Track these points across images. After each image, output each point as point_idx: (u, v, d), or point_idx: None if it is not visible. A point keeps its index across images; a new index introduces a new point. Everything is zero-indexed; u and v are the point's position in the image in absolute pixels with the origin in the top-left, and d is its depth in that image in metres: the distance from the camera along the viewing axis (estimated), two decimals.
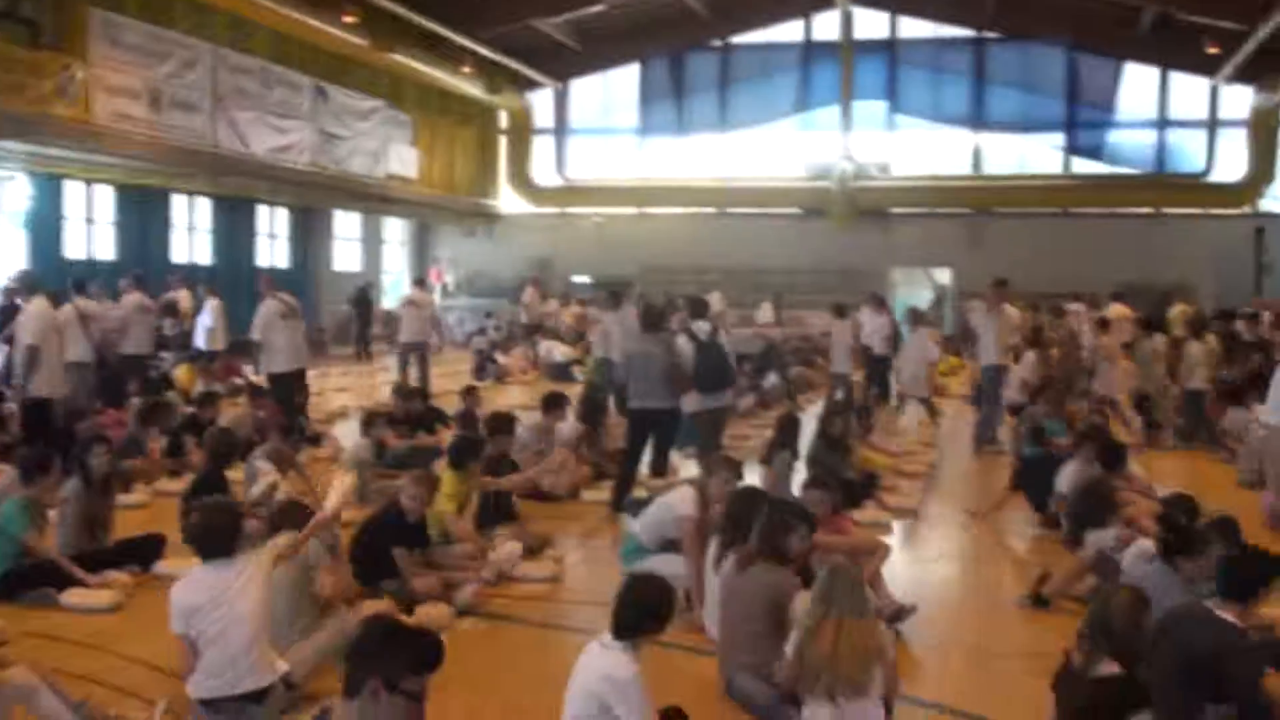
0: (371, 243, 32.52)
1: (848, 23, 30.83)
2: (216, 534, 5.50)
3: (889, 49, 32.06)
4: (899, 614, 6.86)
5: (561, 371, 21.87)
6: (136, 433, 11.80)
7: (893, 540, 9.04)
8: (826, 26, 31.77)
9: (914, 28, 32.04)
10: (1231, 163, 30.10)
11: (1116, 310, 20.40)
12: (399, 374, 18.29)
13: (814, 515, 7.12)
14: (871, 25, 31.66)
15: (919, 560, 9.27)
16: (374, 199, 28.27)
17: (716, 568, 6.49)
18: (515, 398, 18.19)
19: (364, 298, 27.33)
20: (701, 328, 10.91)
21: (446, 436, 12.09)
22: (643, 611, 4.90)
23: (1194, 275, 29.22)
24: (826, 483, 7.89)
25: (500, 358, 23.19)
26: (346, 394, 18.25)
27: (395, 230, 34.20)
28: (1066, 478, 9.44)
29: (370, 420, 11.45)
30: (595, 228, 33.44)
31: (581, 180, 34.08)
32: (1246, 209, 30.13)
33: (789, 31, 32.69)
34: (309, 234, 29.17)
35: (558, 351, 22.74)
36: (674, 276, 29.02)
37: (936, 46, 32.04)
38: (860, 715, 4.80)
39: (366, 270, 31.37)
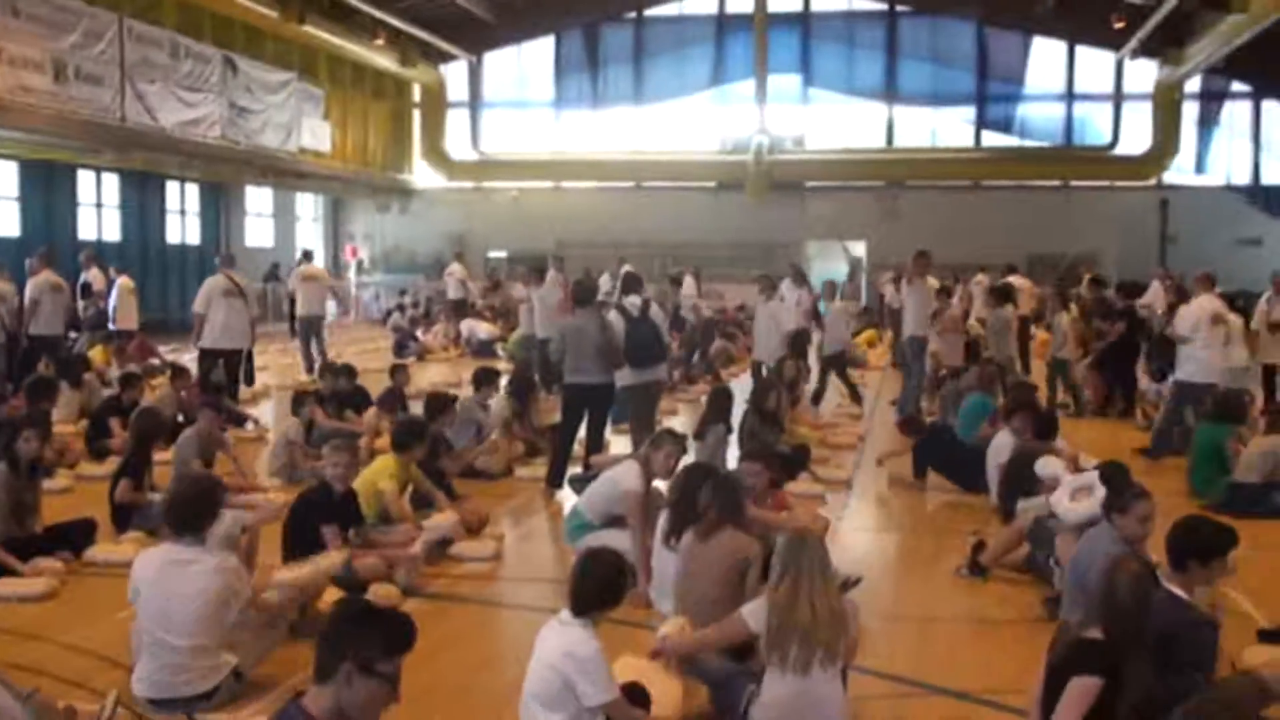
0: (284, 218, 32.01)
1: None
2: (189, 509, 5.48)
3: (803, 22, 32.28)
4: (845, 585, 6.93)
5: (485, 349, 21.73)
6: (32, 412, 11.44)
7: (828, 512, 9.17)
8: None
9: (827, 1, 32.23)
10: (1136, 136, 30.74)
11: (1016, 281, 20.69)
12: (301, 350, 18.36)
13: (751, 488, 7.22)
14: None
15: (856, 531, 9.38)
16: (286, 174, 27.83)
17: (667, 543, 6.50)
18: (439, 376, 18.04)
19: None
20: (633, 302, 10.90)
21: (371, 416, 11.99)
22: (600, 587, 4.90)
23: (1101, 246, 29.88)
24: (763, 456, 7.94)
25: (421, 335, 22.98)
26: (267, 373, 17.94)
27: (308, 206, 33.69)
28: (998, 449, 9.59)
29: (299, 399, 11.32)
30: (511, 202, 33.27)
31: (497, 154, 33.90)
32: (1151, 181, 30.82)
33: (703, 4, 32.80)
34: (220, 210, 28.61)
35: (481, 329, 22.60)
36: (591, 251, 28.94)
37: (849, 20, 32.34)
38: (824, 683, 4.85)
39: (279, 246, 30.88)
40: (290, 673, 5.62)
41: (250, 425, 13.23)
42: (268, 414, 14.56)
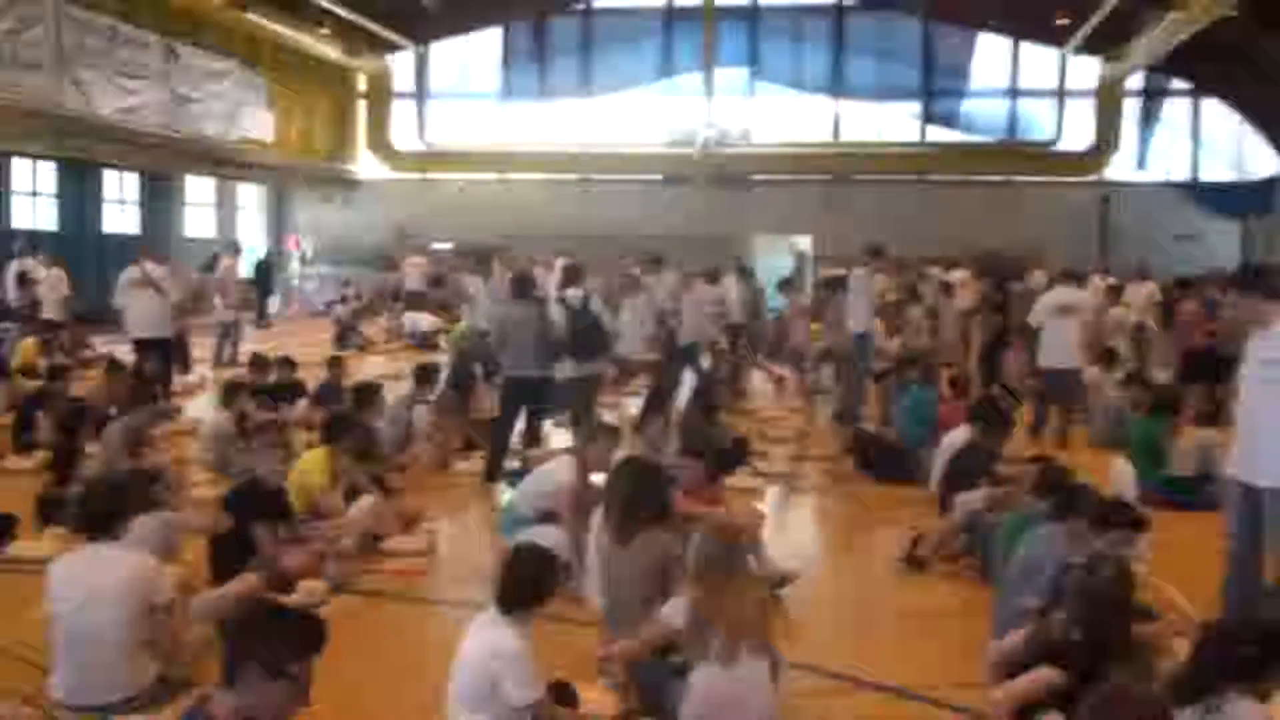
0: (226, 209, 31.53)
1: None
2: (101, 507, 5.36)
3: (750, 16, 32.27)
4: (783, 580, 6.91)
5: (427, 341, 21.56)
6: None
7: (766, 505, 9.15)
8: None
9: None
10: (1079, 132, 31.02)
11: (957, 275, 20.89)
12: (217, 343, 18.61)
13: (686, 482, 7.17)
14: None
15: (793, 524, 9.36)
16: (228, 163, 27.45)
17: (601, 538, 6.43)
18: (380, 368, 17.85)
19: (265, 266, 27.29)
20: (574, 295, 10.83)
21: (303, 408, 11.84)
22: (527, 583, 4.84)
23: (1044, 241, 30.02)
24: (701, 450, 7.90)
25: (363, 327, 22.76)
26: (203, 365, 17.69)
27: (250, 196, 33.23)
28: (950, 442, 9.61)
29: (230, 392, 11.13)
30: (456, 193, 33.01)
31: (442, 145, 33.64)
32: (1093, 177, 31.11)
33: None
34: (160, 200, 28.14)
35: (423, 321, 22.40)
36: (536, 243, 28.74)
37: (797, 14, 32.37)
38: (751, 676, 4.79)
39: (221, 237, 30.42)
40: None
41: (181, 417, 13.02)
42: (204, 406, 14.32)
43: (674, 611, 5.02)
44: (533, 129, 33.00)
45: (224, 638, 3.61)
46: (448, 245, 30.84)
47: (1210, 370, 15.01)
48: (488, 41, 33.43)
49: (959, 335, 16.65)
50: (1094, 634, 4.65)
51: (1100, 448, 12.18)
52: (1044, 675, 4.53)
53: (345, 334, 21.44)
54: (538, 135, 32.86)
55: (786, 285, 18.41)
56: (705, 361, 15.66)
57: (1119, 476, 9.41)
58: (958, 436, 9.62)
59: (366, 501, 8.10)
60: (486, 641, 4.72)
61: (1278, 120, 29.19)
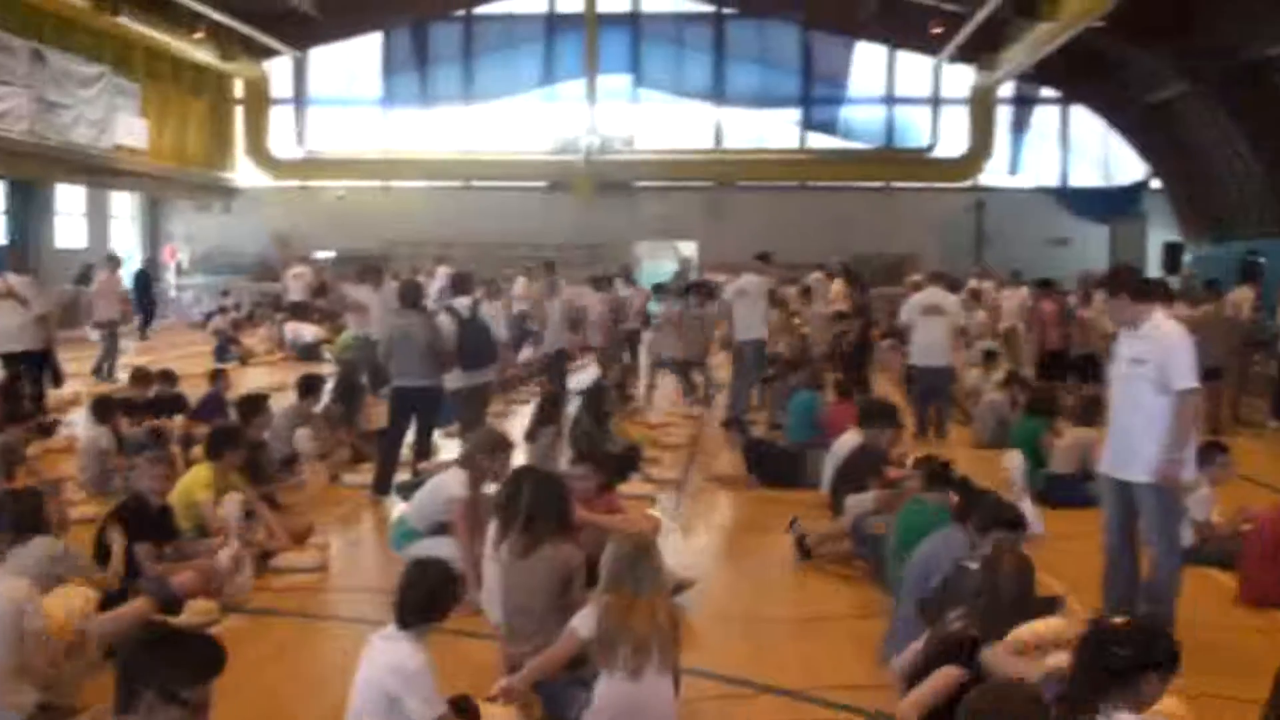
0: (98, 218, 30.62)
1: None
2: None
3: (632, 23, 32.44)
4: (679, 587, 6.94)
5: (310, 352, 21.20)
6: None
7: (658, 512, 9.18)
8: None
9: (656, 2, 32.49)
10: (954, 139, 31.71)
11: (814, 278, 21.20)
12: (98, 357, 18.12)
13: (582, 491, 7.16)
14: None
15: (686, 531, 9.40)
16: (99, 171, 26.70)
17: (497, 549, 6.38)
18: (263, 380, 17.49)
19: (144, 277, 26.64)
20: (463, 304, 10.75)
21: (182, 423, 11.57)
22: (426, 598, 4.77)
23: (921, 246, 30.73)
24: (595, 458, 7.89)
25: (244, 338, 22.31)
26: (78, 379, 17.16)
27: (124, 205, 32.36)
28: (841, 446, 9.73)
29: (104, 408, 10.80)
30: (337, 201, 32.60)
31: (322, 152, 33.19)
32: (968, 183, 31.84)
33: (533, 3, 32.64)
34: (28, 209, 27.24)
35: (306, 331, 22.01)
36: (419, 250, 28.54)
37: (678, 21, 32.63)
38: (656, 686, 4.81)
39: (93, 248, 29.56)
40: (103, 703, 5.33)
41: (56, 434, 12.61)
42: (79, 422, 13.89)
43: (582, 623, 5.01)
44: (414, 136, 32.75)
45: (117, 663, 3.49)
46: (329, 254, 30.43)
47: (1065, 370, 15.62)
48: (368, 47, 33.07)
49: (822, 339, 16.92)
50: (996, 624, 4.73)
51: (983, 448, 12.48)
52: (946, 675, 4.61)
53: (225, 345, 20.97)
54: (420, 142, 32.61)
55: (660, 290, 18.41)
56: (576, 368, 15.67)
57: (1011, 469, 9.65)
58: (848, 439, 9.77)
59: (234, 500, 7.90)
60: (386, 659, 4.65)
61: (1142, 127, 30.18)
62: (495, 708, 5.17)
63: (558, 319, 15.05)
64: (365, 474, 10.67)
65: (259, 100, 32.67)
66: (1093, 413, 10.12)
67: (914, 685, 4.78)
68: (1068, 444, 10.40)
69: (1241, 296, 15.21)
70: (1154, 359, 6.30)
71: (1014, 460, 9.86)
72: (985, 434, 12.68)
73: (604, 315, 17.24)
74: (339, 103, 33.46)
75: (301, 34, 31.46)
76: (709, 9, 32.49)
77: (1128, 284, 6.67)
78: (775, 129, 33.14)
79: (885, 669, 5.59)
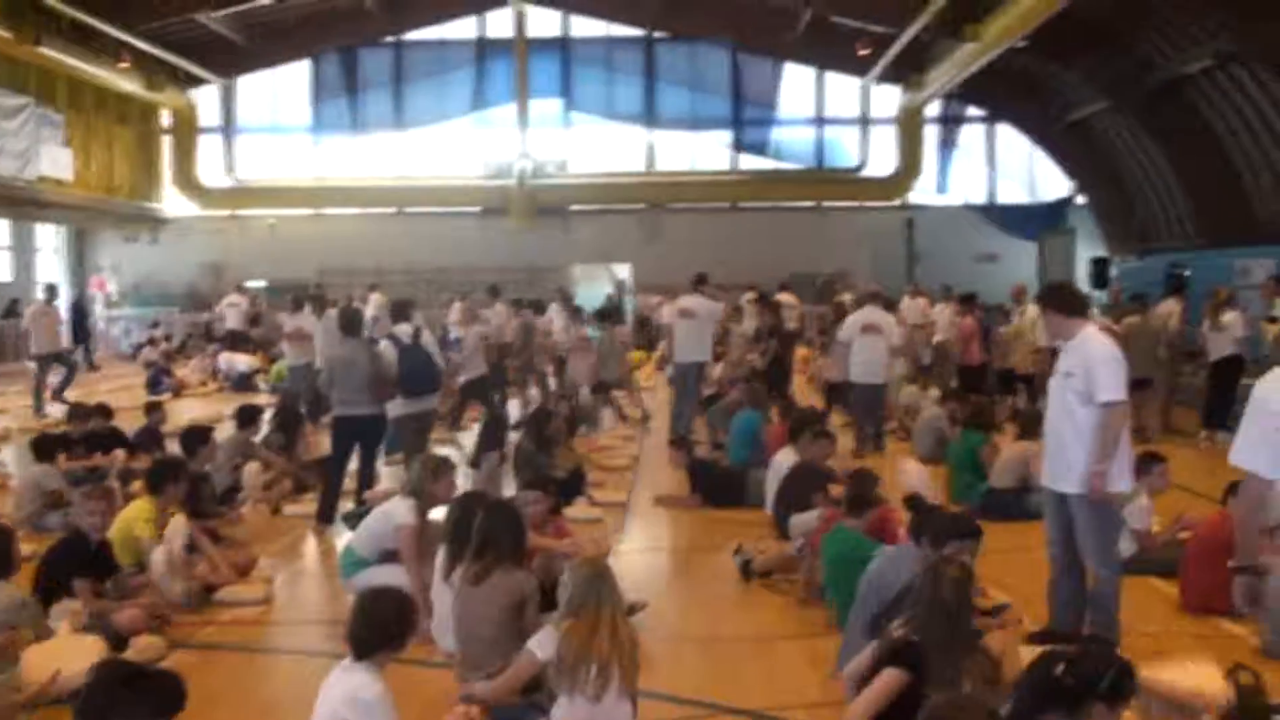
0: (23, 251, 30.10)
1: (521, 20, 31.02)
2: None
3: (563, 47, 32.52)
4: (631, 609, 6.93)
5: (245, 382, 20.97)
6: None
7: (606, 535, 9.18)
8: (500, 24, 31.86)
9: (586, 26, 32.59)
10: (883, 158, 32.08)
11: (784, 298, 21.50)
12: (37, 388, 17.82)
13: (532, 516, 7.15)
14: (544, 23, 32.01)
15: (634, 553, 9.40)
16: (23, 203, 26.21)
17: (447, 577, 6.36)
18: (198, 411, 17.28)
19: (79, 309, 26.10)
20: (404, 330, 10.70)
21: (121, 457, 11.40)
22: (381, 628, 4.75)
23: (852, 264, 31.08)
24: (543, 483, 7.89)
25: (176, 370, 22.02)
26: (5, 416, 16.86)
27: (49, 237, 31.83)
28: (778, 466, 9.79)
29: (43, 444, 10.63)
30: (269, 230, 32.32)
31: (252, 181, 32.85)
32: (897, 201, 32.22)
33: (463, 29, 32.62)
34: None
35: (240, 361, 21.76)
36: (354, 278, 28.37)
37: (608, 45, 32.75)
38: (615, 709, 4.81)
39: (18, 281, 29.09)
40: None
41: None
42: (12, 458, 13.63)
43: (539, 646, 5.00)
44: (346, 163, 32.56)
45: (77, 704, 3.44)
46: (261, 283, 30.14)
47: (982, 384, 15.91)
48: (296, 74, 32.83)
49: (741, 358, 17.06)
50: (936, 631, 4.80)
51: (923, 463, 12.59)
52: (890, 677, 4.66)
53: (157, 377, 20.67)
54: (352, 169, 32.44)
55: (604, 317, 18.37)
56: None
57: (908, 475, 9.76)
58: (783, 458, 9.84)
59: (178, 523, 7.80)
60: (342, 689, 4.62)
61: (1065, 144, 30.74)
62: None
63: (472, 345, 14.86)
64: (307, 504, 10.58)
65: (186, 129, 32.27)
66: (1032, 426, 10.25)
67: (861, 688, 4.83)
68: (1006, 458, 10.53)
69: (1169, 309, 15.51)
70: (1081, 372, 6.42)
71: (909, 467, 9.95)
72: (924, 449, 12.83)
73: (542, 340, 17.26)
74: (268, 131, 33.17)
75: (228, 62, 31.18)
76: (639, 33, 32.66)
77: (1057, 299, 6.83)
78: (707, 151, 33.34)
79: (840, 685, 5.62)
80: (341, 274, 29.65)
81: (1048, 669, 4.15)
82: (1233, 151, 22.82)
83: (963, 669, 4.91)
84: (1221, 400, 14.36)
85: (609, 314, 16.72)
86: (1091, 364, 6.41)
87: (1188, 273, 20.84)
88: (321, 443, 13.21)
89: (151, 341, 25.73)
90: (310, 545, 9.72)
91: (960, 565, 5.25)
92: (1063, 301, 6.80)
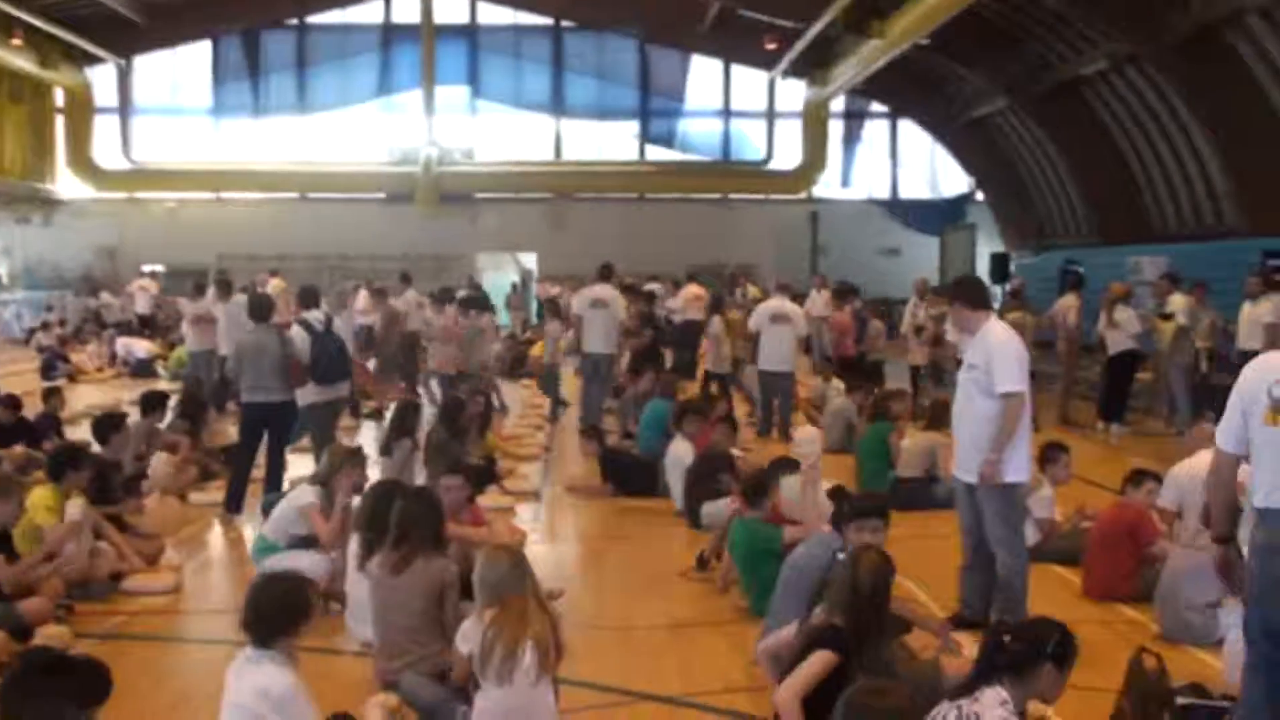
0: None
1: (428, 5, 30.64)
2: None
3: (470, 34, 32.26)
4: (548, 597, 6.94)
5: (144, 368, 20.52)
6: None
7: (519, 524, 9.19)
8: (406, 9, 31.49)
9: (493, 14, 32.40)
10: (788, 152, 32.34)
11: (691, 290, 21.52)
12: None
13: (449, 503, 7.12)
14: (452, 9, 31.72)
15: (548, 542, 9.43)
16: None
17: (362, 565, 6.32)
18: (95, 398, 16.87)
19: None
20: (316, 316, 10.58)
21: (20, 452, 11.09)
22: (275, 613, 4.62)
23: (758, 257, 31.34)
24: (461, 471, 7.86)
25: (71, 355, 21.49)
26: None
27: None
28: (678, 455, 9.86)
29: None
30: (167, 213, 31.65)
31: (151, 163, 32.06)
32: (802, 195, 32.51)
33: (368, 13, 32.22)
34: None
35: (139, 347, 21.28)
36: (255, 264, 27.90)
37: (516, 33, 32.59)
38: (536, 695, 4.82)
39: None
40: None
41: None
42: None
43: (463, 640, 4.98)
44: (247, 147, 31.91)
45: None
46: (158, 268, 29.53)
47: (856, 375, 16.22)
48: (196, 55, 32.13)
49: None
50: (858, 616, 4.90)
51: (831, 452, 12.79)
52: (820, 659, 4.75)
53: (51, 362, 20.15)
54: (253, 153, 31.78)
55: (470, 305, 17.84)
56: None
57: (801, 444, 9.80)
58: (682, 448, 9.94)
59: (75, 504, 7.64)
60: (252, 681, 4.49)
61: (965, 141, 31.30)
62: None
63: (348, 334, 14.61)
64: (214, 492, 10.42)
65: (81, 109, 31.34)
66: (938, 417, 10.46)
67: (787, 672, 4.90)
68: (912, 448, 10.68)
69: (1067, 304, 15.88)
70: (983, 363, 6.59)
71: (803, 434, 9.91)
72: (833, 438, 13.00)
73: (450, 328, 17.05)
74: (167, 112, 32.41)
75: (126, 41, 30.38)
76: (547, 21, 32.54)
77: (966, 293, 7.03)
78: (614, 141, 33.34)
79: (760, 671, 5.71)
80: (243, 259, 29.10)
81: (997, 639, 4.32)
82: (1127, 152, 23.44)
83: (885, 655, 5.01)
84: (1118, 394, 14.80)
85: (475, 302, 16.47)
86: (992, 356, 6.58)
87: (1082, 269, 21.34)
88: (226, 430, 13.05)
89: (45, 326, 25.06)
90: (217, 533, 9.59)
91: (880, 553, 5.36)
92: (970, 295, 6.98)
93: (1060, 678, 4.33)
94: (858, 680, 4.40)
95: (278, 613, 4.61)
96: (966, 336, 7.10)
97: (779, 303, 14.40)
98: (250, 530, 9.10)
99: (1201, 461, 7.90)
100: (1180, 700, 5.20)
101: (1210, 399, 15.70)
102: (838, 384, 14.78)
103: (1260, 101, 18.09)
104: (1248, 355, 13.45)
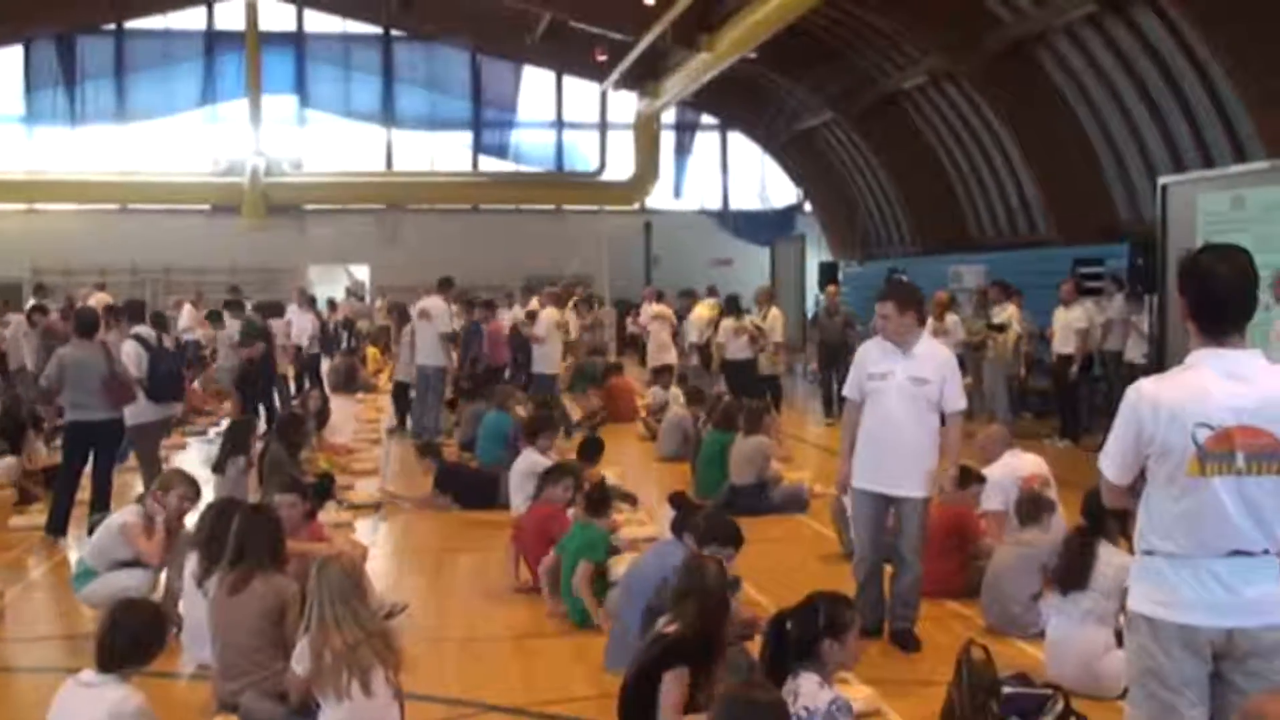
0: None
1: (253, 12, 29.99)
2: None
3: (297, 43, 31.70)
4: (390, 612, 6.91)
5: None
6: None
7: (362, 538, 9.09)
8: (230, 16, 30.79)
9: (321, 22, 31.90)
10: (621, 163, 32.60)
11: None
12: None
13: (289, 520, 7.02)
14: (278, 17, 31.14)
15: (389, 556, 9.35)
16: None
17: (200, 584, 6.19)
18: None
19: None
20: (149, 333, 10.27)
21: None
22: (134, 640, 4.58)
23: (593, 267, 31.51)
24: (299, 486, 7.75)
25: None
26: None
27: None
28: (525, 467, 9.86)
29: None
30: None
31: None
32: (636, 206, 32.81)
33: (190, 19, 31.37)
34: None
35: None
36: (72, 278, 26.90)
37: (345, 42, 32.15)
38: (377, 708, 4.78)
39: None
40: None
41: None
42: None
43: (299, 659, 4.91)
44: (63, 156, 30.64)
45: None
46: None
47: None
48: (8, 60, 30.76)
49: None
50: (705, 627, 5.02)
51: (666, 460, 13.03)
52: (675, 680, 4.82)
53: None
54: (70, 162, 30.50)
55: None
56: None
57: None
58: (530, 460, 9.97)
59: None
60: (95, 709, 4.41)
61: (792, 153, 32.00)
62: None
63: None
64: (34, 515, 10.04)
65: None
66: (756, 422, 10.75)
67: (637, 688, 4.97)
68: (741, 454, 10.67)
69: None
70: (937, 380, 6.60)
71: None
72: (669, 447, 13.17)
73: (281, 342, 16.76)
74: None
75: None
76: (376, 30, 32.18)
77: (919, 304, 6.83)
78: (447, 152, 33.11)
79: (608, 677, 5.78)
80: (59, 273, 28.01)
81: (779, 630, 4.52)
82: (946, 164, 24.31)
83: (724, 659, 5.13)
84: None
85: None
86: (947, 373, 6.67)
87: (905, 277, 21.97)
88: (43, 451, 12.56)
89: None
90: (39, 558, 9.22)
91: (714, 559, 5.49)
92: (920, 306, 6.85)
93: (844, 647, 4.54)
94: (708, 684, 4.53)
95: (135, 641, 4.56)
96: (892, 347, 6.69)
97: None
98: (75, 554, 8.80)
99: (1017, 461, 8.37)
100: (1006, 689, 5.45)
101: (1024, 402, 16.57)
102: (677, 393, 14.98)
103: (1067, 117, 19.00)
104: (1062, 359, 14.30)
